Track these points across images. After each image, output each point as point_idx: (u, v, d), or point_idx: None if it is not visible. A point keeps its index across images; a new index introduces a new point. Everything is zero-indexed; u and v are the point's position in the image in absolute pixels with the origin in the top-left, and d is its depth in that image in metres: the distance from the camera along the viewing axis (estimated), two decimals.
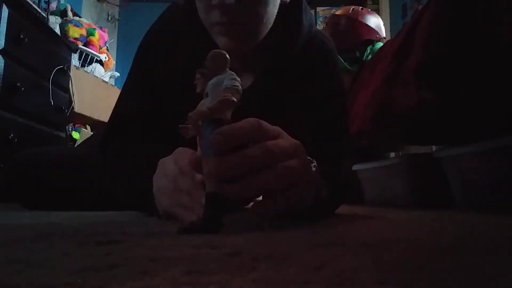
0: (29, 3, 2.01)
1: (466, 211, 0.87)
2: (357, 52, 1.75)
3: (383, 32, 1.83)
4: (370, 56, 1.67)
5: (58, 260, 0.24)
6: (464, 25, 0.77)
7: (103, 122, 2.52)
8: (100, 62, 2.85)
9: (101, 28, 2.98)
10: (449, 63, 0.80)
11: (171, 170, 0.46)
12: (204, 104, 0.38)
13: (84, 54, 2.67)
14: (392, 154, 1.86)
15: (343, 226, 0.50)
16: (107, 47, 3.00)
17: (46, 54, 1.82)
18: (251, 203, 0.96)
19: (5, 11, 1.46)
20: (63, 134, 1.99)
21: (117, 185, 0.63)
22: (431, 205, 1.07)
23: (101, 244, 0.31)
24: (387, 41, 1.43)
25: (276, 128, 0.41)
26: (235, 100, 0.36)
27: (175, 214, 0.44)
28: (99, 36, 2.79)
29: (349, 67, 1.70)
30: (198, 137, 0.41)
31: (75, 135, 2.33)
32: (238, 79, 0.38)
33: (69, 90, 2.10)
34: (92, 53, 2.72)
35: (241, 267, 0.22)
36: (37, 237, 0.36)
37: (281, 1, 0.62)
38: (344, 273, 0.20)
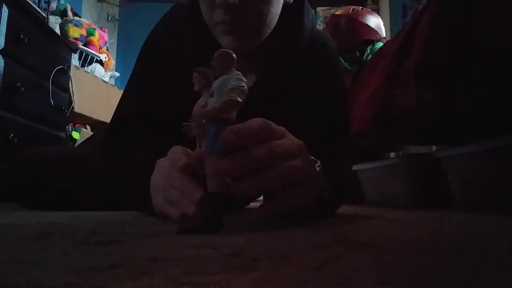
0: (29, 3, 2.01)
1: (466, 211, 0.87)
2: (357, 52, 1.75)
3: (383, 32, 1.83)
4: (370, 56, 1.67)
5: (58, 260, 0.24)
6: (464, 25, 0.77)
7: (103, 122, 2.52)
8: (100, 62, 2.85)
9: (101, 28, 2.98)
10: (449, 63, 0.80)
11: (164, 167, 0.46)
12: (209, 104, 0.38)
13: (84, 54, 2.67)
14: (392, 154, 1.86)
15: (343, 226, 0.50)
16: (107, 47, 3.00)
17: (46, 54, 1.82)
18: (251, 203, 0.97)
19: (5, 11, 1.46)
20: (63, 134, 1.99)
21: (117, 185, 0.63)
22: (431, 205, 1.07)
23: (101, 244, 0.31)
24: (387, 41, 1.43)
25: (281, 128, 0.41)
26: (241, 100, 0.36)
27: (163, 211, 0.44)
28: (99, 36, 2.79)
29: (349, 67, 1.70)
30: (197, 137, 0.41)
31: (75, 135, 2.33)
32: (244, 79, 0.38)
33: (69, 90, 2.11)
34: (92, 53, 2.72)
35: (241, 267, 0.22)
36: (37, 237, 0.35)
37: (284, 1, 0.63)
38: (344, 273, 0.20)
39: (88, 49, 2.69)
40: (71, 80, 2.10)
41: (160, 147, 0.50)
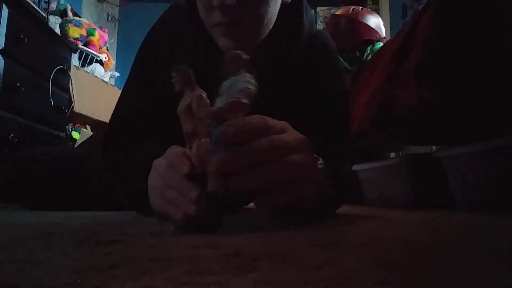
0: (29, 3, 2.01)
1: (466, 211, 0.87)
2: (357, 52, 1.75)
3: (383, 32, 1.83)
4: (370, 56, 1.67)
5: (58, 260, 0.24)
6: (464, 25, 0.77)
7: (103, 122, 2.52)
8: (100, 62, 2.85)
9: (101, 28, 2.98)
10: (449, 63, 0.80)
11: (161, 167, 0.46)
12: (217, 104, 0.38)
13: (84, 54, 2.67)
14: (392, 154, 1.86)
15: (343, 226, 0.50)
16: (107, 47, 3.00)
17: (46, 54, 1.82)
18: (251, 203, 0.97)
19: (5, 11, 1.46)
20: (63, 134, 1.99)
21: (117, 185, 0.63)
22: (431, 205, 1.07)
23: (101, 244, 0.31)
24: (387, 41, 1.43)
25: (283, 123, 0.41)
26: (247, 102, 0.36)
27: (164, 212, 0.44)
28: (99, 36, 2.79)
29: (349, 67, 1.70)
30: (186, 136, 0.40)
31: (75, 135, 2.33)
32: (254, 82, 0.37)
33: (69, 90, 2.11)
34: (92, 53, 2.72)
35: (241, 267, 0.22)
36: (37, 237, 0.36)
37: (282, 1, 0.62)
38: (344, 273, 0.20)
39: (88, 49, 2.69)
40: (71, 80, 2.10)
41: (160, 147, 0.50)
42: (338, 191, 0.58)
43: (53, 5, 2.52)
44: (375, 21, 1.82)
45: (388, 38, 1.81)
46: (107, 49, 3.01)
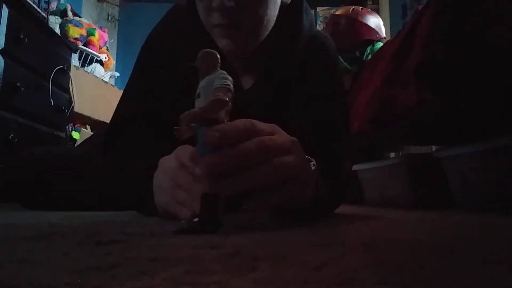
0: (29, 3, 2.01)
1: (466, 211, 0.87)
2: (357, 52, 1.75)
3: (383, 32, 1.84)
4: (370, 56, 1.67)
5: (58, 260, 0.24)
6: (464, 25, 0.77)
7: (103, 122, 2.52)
8: (100, 62, 2.85)
9: (101, 28, 2.98)
10: (449, 63, 0.80)
11: (171, 166, 0.46)
12: (196, 105, 0.38)
13: (84, 54, 2.67)
14: (392, 154, 1.86)
15: (343, 226, 0.50)
16: (107, 47, 3.00)
17: (46, 54, 1.82)
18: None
19: (5, 11, 1.46)
20: (63, 134, 1.99)
21: (118, 185, 0.63)
22: (431, 205, 1.07)
23: (101, 244, 0.31)
24: (387, 41, 1.43)
25: (271, 126, 0.40)
26: (227, 99, 0.36)
27: (172, 211, 0.44)
28: (99, 36, 2.79)
29: (349, 67, 1.70)
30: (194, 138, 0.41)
31: (75, 135, 2.33)
32: (230, 78, 0.37)
33: (69, 90, 2.11)
34: (92, 53, 2.72)
35: (241, 267, 0.22)
36: (37, 237, 0.35)
37: (281, 2, 0.62)
38: (344, 273, 0.20)
39: (88, 49, 2.69)
40: (71, 80, 2.10)
41: (160, 147, 0.50)
42: (337, 191, 0.58)
43: (53, 5, 2.52)
44: (375, 21, 1.82)
45: (388, 38, 1.81)
46: (107, 49, 3.01)
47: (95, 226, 0.49)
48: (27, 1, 1.96)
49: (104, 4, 3.83)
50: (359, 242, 0.34)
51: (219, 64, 0.38)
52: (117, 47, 3.96)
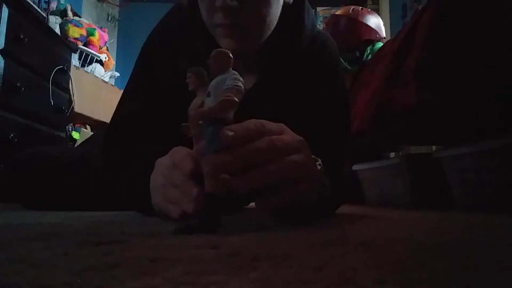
0: (29, 3, 2.01)
1: (466, 211, 0.87)
2: (357, 52, 1.75)
3: (383, 32, 1.84)
4: (370, 56, 1.67)
5: (58, 260, 0.24)
6: (464, 25, 0.77)
7: (103, 122, 2.52)
8: (100, 62, 2.85)
9: (101, 28, 2.98)
10: (449, 63, 0.80)
11: (165, 166, 0.46)
12: (206, 104, 0.38)
13: (84, 54, 2.67)
14: (392, 154, 1.86)
15: (343, 226, 0.50)
16: (107, 47, 3.01)
17: (46, 54, 1.82)
18: (251, 203, 0.97)
19: (5, 11, 1.46)
20: (63, 134, 2.00)
21: (117, 185, 0.63)
22: (431, 205, 1.07)
23: (101, 244, 0.31)
24: (387, 41, 1.43)
25: (280, 125, 0.41)
26: (237, 100, 0.36)
27: (164, 209, 0.44)
28: (99, 36, 2.79)
29: (349, 67, 1.70)
30: (194, 137, 0.41)
31: (75, 135, 2.33)
32: (241, 79, 0.37)
33: (69, 90, 2.11)
34: (92, 53, 2.72)
35: (241, 267, 0.22)
36: (37, 237, 0.35)
37: (284, 1, 0.62)
38: (344, 273, 0.20)
39: (88, 49, 2.69)
40: (71, 80, 2.10)
41: (160, 147, 0.50)
42: (338, 191, 0.58)
43: (53, 5, 2.52)
44: (375, 21, 1.82)
45: (388, 38, 1.81)
46: (107, 49, 3.01)
47: (95, 226, 0.49)
48: (27, 1, 1.96)
49: (104, 4, 3.83)
50: (359, 242, 0.34)
51: (231, 64, 0.38)
52: (117, 47, 3.96)
